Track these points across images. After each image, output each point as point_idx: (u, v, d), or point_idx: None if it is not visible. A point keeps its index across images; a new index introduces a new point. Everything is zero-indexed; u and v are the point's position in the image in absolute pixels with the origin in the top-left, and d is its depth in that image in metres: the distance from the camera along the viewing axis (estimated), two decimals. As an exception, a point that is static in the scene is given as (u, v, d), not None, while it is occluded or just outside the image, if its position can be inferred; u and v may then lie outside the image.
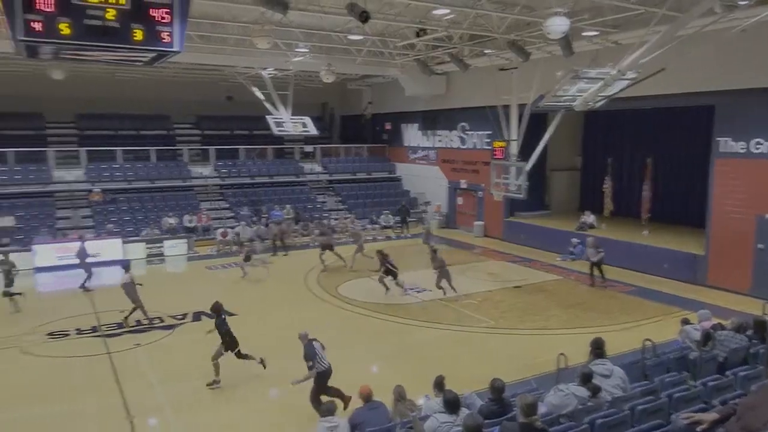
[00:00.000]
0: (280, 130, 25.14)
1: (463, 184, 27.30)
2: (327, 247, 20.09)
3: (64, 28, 6.44)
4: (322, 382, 9.17)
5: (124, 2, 6.57)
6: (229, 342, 10.65)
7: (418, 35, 19.17)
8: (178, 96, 29.84)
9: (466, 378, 8.87)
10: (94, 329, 14.00)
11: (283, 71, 24.30)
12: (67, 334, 13.70)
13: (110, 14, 6.61)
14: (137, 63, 9.82)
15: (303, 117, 25.71)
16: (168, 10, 6.81)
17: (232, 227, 24.31)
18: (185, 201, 26.39)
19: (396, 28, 18.70)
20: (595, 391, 6.78)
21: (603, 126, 24.90)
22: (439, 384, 7.32)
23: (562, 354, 8.77)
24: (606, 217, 22.78)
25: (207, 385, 10.57)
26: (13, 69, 24.67)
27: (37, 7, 6.27)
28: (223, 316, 10.85)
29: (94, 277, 17.90)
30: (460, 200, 27.94)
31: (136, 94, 28.86)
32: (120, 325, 14.14)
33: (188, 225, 24.50)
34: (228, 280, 18.80)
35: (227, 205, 27.31)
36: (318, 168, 31.43)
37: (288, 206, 26.98)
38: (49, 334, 13.69)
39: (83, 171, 26.17)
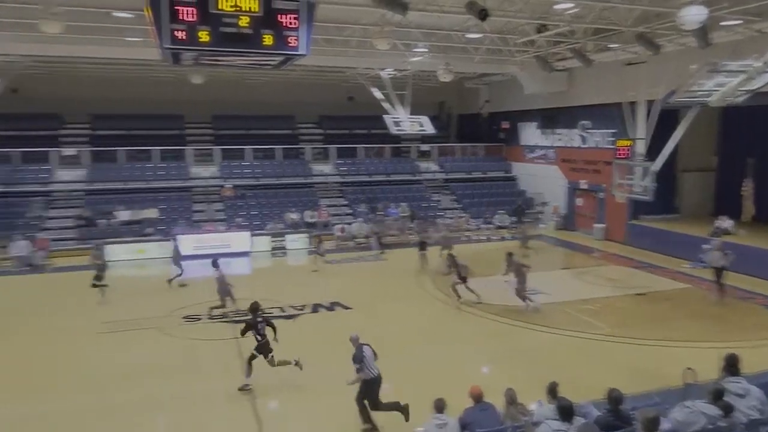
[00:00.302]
0: (397, 130, 25.59)
1: (583, 184, 26.19)
2: (422, 246, 19.97)
3: (204, 36, 7.03)
4: (366, 389, 8.98)
5: (256, 9, 7.06)
6: (259, 344, 10.58)
7: (539, 31, 18.66)
8: (303, 97, 31.31)
9: (581, 386, 8.54)
10: (223, 315, 15.00)
11: (402, 71, 24.66)
12: (199, 318, 14.82)
13: (243, 21, 7.11)
14: (266, 66, 10.44)
15: (420, 116, 26.01)
16: (295, 16, 7.21)
17: (349, 223, 25.07)
18: (307, 197, 27.59)
19: (515, 25, 18.32)
20: (728, 410, 6.26)
21: (743, 123, 22.75)
22: (552, 390, 7.11)
23: (689, 369, 8.18)
24: (745, 222, 20.88)
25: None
26: (158, 75, 27.23)
27: (181, 17, 6.89)
28: (259, 318, 10.72)
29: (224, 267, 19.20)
30: (579, 201, 26.84)
31: (264, 96, 30.68)
32: (246, 313, 15.01)
33: (309, 220, 25.61)
34: (345, 274, 19.40)
35: (346, 202, 28.19)
36: (434, 167, 31.56)
37: (404, 204, 27.33)
38: (185, 317, 14.89)
39: (217, 168, 28.21)
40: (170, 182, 26.75)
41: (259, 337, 10.51)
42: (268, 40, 7.21)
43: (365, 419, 8.98)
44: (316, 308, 15.55)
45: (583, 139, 26.12)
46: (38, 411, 9.79)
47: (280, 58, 7.99)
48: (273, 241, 23.72)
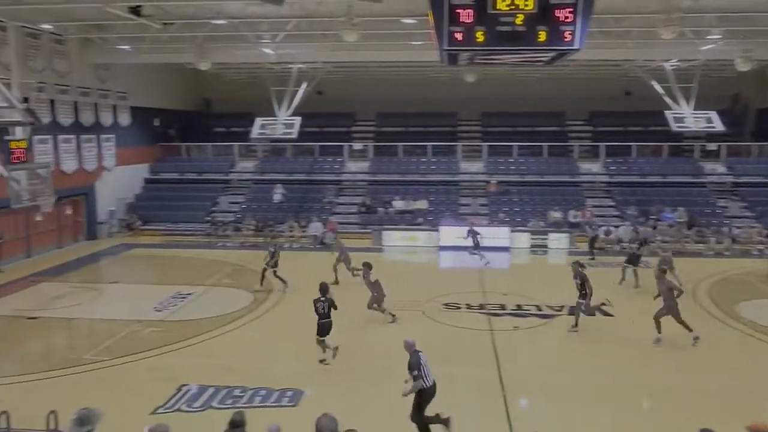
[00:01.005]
0: (679, 126, 23.43)
1: None
2: (632, 259, 17.43)
3: (480, 36, 7.40)
4: (422, 400, 8.28)
5: (531, 6, 7.18)
6: (320, 326, 11.03)
7: None
8: (573, 92, 30.43)
9: None
10: (480, 306, 15.50)
11: (689, 61, 22.37)
12: (458, 307, 15.50)
13: (519, 19, 7.29)
14: (538, 63, 10.50)
15: (708, 111, 23.41)
16: (572, 10, 7.13)
17: (616, 227, 23.61)
18: (571, 196, 26.78)
19: None
20: None
21: None
22: None
23: None
24: None
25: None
26: (434, 75, 29.20)
27: (460, 19, 7.36)
28: (323, 299, 11.04)
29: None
30: None
31: (533, 93, 30.61)
32: (503, 307, 15.32)
33: (572, 220, 24.84)
34: (605, 279, 18.21)
35: (613, 203, 26.66)
36: (721, 168, 27.88)
37: (680, 209, 24.72)
38: (445, 304, 15.72)
39: (483, 164, 29.13)
40: (440, 176, 28.48)
41: (317, 316, 11.16)
42: (542, 36, 7.26)
43: None
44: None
45: None
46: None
47: (553, 54, 7.99)
48: (533, 239, 23.57)
